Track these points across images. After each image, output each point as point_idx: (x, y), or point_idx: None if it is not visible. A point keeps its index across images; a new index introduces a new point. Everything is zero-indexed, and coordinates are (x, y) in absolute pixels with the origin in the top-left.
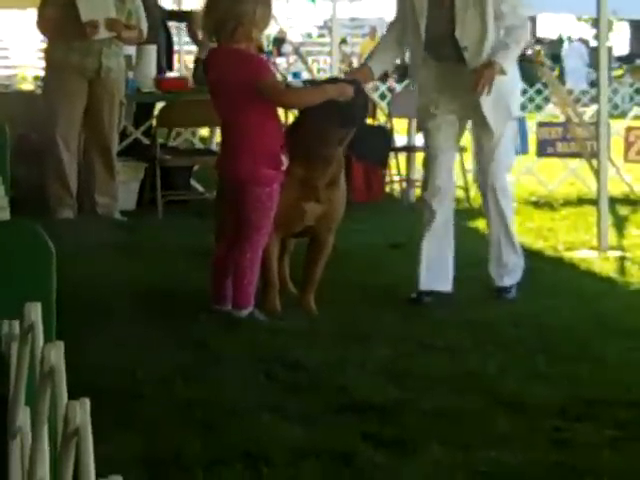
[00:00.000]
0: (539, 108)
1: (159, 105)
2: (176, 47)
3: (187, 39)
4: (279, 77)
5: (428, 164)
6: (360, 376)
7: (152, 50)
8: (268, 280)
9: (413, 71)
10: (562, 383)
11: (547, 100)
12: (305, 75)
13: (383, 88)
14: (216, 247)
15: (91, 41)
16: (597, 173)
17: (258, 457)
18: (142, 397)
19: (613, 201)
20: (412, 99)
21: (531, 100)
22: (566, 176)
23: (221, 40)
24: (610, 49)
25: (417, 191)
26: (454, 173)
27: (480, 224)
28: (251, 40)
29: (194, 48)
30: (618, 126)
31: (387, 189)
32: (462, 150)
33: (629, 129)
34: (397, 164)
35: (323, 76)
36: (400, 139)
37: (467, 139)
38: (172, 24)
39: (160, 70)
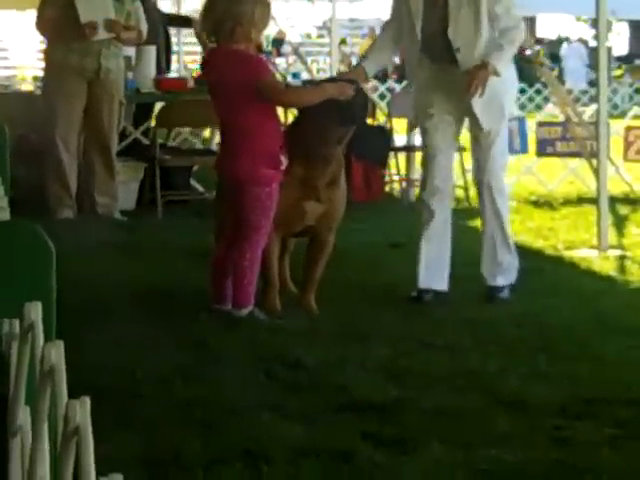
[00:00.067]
0: (539, 108)
1: (158, 105)
2: (175, 47)
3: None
4: (279, 77)
5: (426, 164)
6: (360, 375)
7: (151, 51)
8: (268, 280)
9: (409, 72)
10: (562, 382)
11: (547, 100)
12: (304, 75)
13: (383, 88)
14: (216, 247)
15: (90, 42)
16: (597, 172)
17: (258, 456)
18: (142, 396)
19: (613, 200)
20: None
21: (531, 100)
22: (566, 175)
23: (220, 40)
24: (609, 49)
25: (417, 191)
26: (453, 173)
27: (480, 223)
28: (250, 40)
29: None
30: (618, 126)
31: (387, 189)
32: (462, 150)
33: (628, 128)
34: (397, 164)
35: (322, 76)
36: (399, 139)
37: (466, 138)
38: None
39: (160, 71)
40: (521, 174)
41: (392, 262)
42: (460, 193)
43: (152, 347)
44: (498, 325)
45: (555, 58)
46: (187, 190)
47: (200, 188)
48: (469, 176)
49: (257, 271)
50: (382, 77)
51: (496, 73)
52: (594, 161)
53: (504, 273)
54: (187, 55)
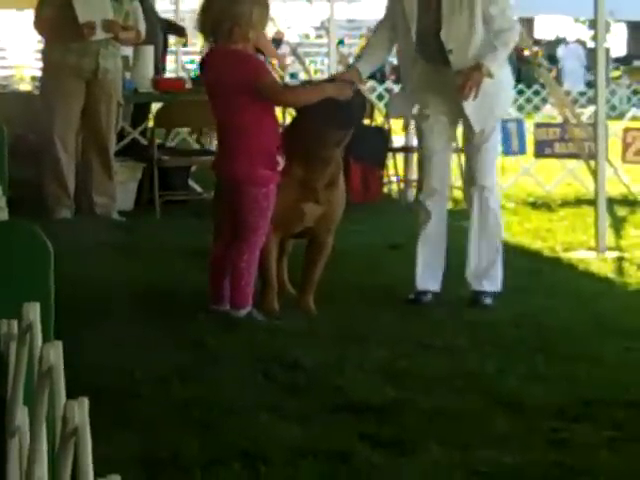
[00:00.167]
0: (537, 109)
1: (156, 106)
2: (173, 48)
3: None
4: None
5: (423, 165)
6: (358, 376)
7: (149, 51)
8: (267, 281)
9: (404, 72)
10: (560, 383)
11: (545, 101)
12: (302, 76)
13: (381, 89)
14: (213, 247)
15: (88, 42)
16: (595, 174)
17: (256, 457)
18: (140, 397)
19: (611, 202)
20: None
21: (529, 101)
22: (564, 177)
23: (218, 41)
24: (607, 50)
25: (415, 191)
26: (450, 174)
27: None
28: (248, 41)
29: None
30: (616, 127)
31: (385, 190)
32: (459, 151)
33: (627, 130)
34: (395, 165)
35: (320, 77)
36: (397, 139)
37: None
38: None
39: (157, 71)
40: (519, 175)
41: (390, 263)
42: (459, 194)
43: (150, 347)
44: (496, 326)
45: (553, 59)
46: (185, 190)
47: (198, 188)
48: None
49: (255, 272)
50: (380, 78)
51: (490, 75)
52: (592, 162)
53: (490, 278)
54: (184, 56)
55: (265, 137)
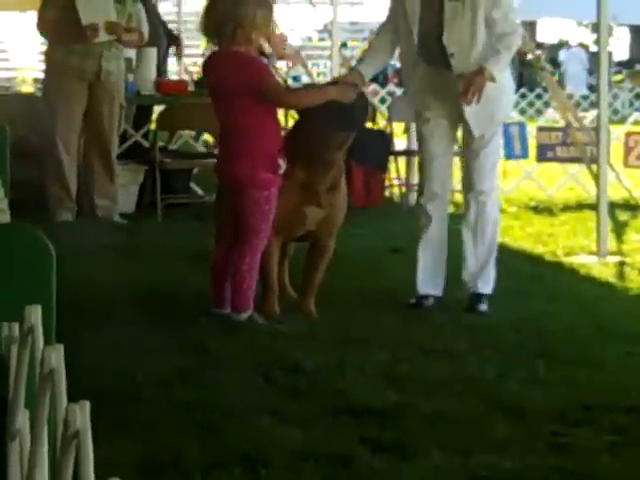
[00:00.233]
0: (539, 113)
1: (158, 108)
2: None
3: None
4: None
5: (424, 169)
6: (359, 380)
7: (152, 53)
8: (268, 284)
9: (406, 75)
10: (561, 388)
11: (547, 105)
12: (305, 79)
13: (383, 92)
14: (215, 250)
15: (91, 44)
16: (597, 178)
17: (257, 460)
18: (141, 400)
19: (613, 206)
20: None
21: (531, 105)
22: (566, 181)
23: (221, 42)
24: (610, 54)
25: (417, 195)
26: (451, 178)
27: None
28: (250, 43)
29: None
30: (618, 131)
31: (387, 193)
32: (460, 155)
33: (629, 134)
34: (397, 168)
35: (323, 80)
36: (400, 143)
37: None
38: (171, 27)
39: (160, 73)
40: (521, 179)
41: (392, 267)
42: (459, 198)
43: (152, 350)
44: (497, 330)
45: (555, 63)
46: (187, 193)
47: (200, 191)
48: None
49: (256, 275)
50: (382, 81)
51: (492, 79)
52: (594, 167)
53: (484, 280)
54: (187, 58)
55: (267, 140)
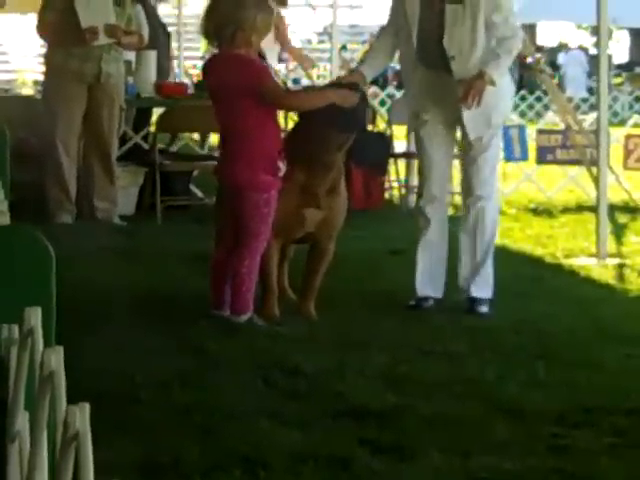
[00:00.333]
0: (539, 115)
1: (157, 110)
2: (176, 52)
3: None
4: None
5: (423, 172)
6: (359, 382)
7: (152, 55)
8: (267, 286)
9: (405, 77)
10: (561, 390)
11: (547, 107)
12: (305, 81)
13: (383, 95)
14: (215, 252)
15: (91, 47)
16: (596, 180)
17: (256, 462)
18: (141, 402)
19: (612, 208)
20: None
21: (531, 107)
22: (565, 183)
23: (221, 45)
24: (610, 57)
25: (416, 197)
26: (450, 180)
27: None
28: (250, 46)
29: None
30: (618, 134)
31: (386, 195)
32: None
33: (628, 137)
34: (396, 170)
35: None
36: (399, 145)
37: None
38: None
39: (161, 75)
40: (520, 181)
41: (392, 269)
42: (459, 200)
43: (151, 352)
44: (497, 332)
45: (555, 65)
46: (187, 195)
47: (200, 193)
48: None
49: (256, 278)
50: (382, 84)
51: (492, 83)
52: (594, 169)
53: (482, 285)
54: (187, 61)
55: (267, 142)
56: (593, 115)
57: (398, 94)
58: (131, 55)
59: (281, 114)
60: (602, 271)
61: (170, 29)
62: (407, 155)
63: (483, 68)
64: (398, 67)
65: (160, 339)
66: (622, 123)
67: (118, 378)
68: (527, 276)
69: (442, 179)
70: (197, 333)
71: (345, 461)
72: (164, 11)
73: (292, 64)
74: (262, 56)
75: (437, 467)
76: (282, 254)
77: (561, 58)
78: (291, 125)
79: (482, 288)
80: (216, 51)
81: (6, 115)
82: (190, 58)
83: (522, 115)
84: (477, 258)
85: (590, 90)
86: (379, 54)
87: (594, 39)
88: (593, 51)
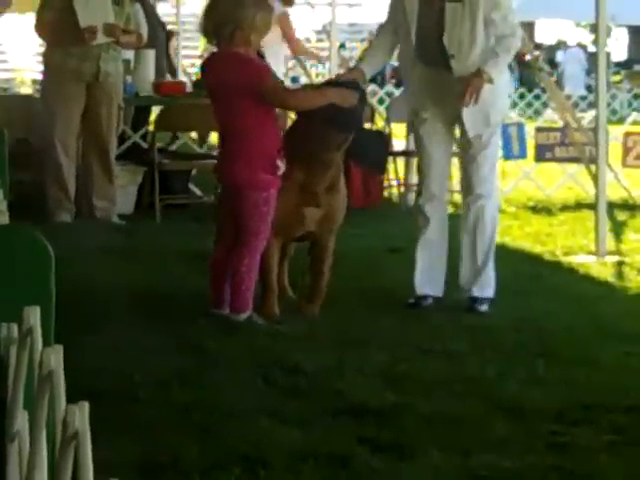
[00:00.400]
0: (538, 113)
1: (156, 109)
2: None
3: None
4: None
5: (422, 170)
6: (358, 380)
7: (150, 54)
8: (267, 285)
9: (404, 74)
10: (560, 387)
11: (545, 105)
12: (304, 80)
13: (382, 92)
14: (215, 250)
15: (89, 46)
16: (595, 178)
17: (256, 461)
18: (140, 401)
19: (611, 206)
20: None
21: (530, 105)
22: (564, 181)
23: (220, 43)
24: (608, 55)
25: (415, 195)
26: (449, 179)
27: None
28: (249, 44)
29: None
30: (616, 131)
31: (385, 194)
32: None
33: (627, 134)
34: (395, 169)
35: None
36: (398, 143)
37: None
38: (170, 28)
39: (159, 73)
40: (519, 179)
41: (391, 267)
42: (458, 198)
43: (150, 351)
44: (496, 330)
45: (554, 63)
46: (186, 194)
47: (199, 192)
48: None
49: (255, 276)
50: (381, 81)
51: (490, 81)
52: (593, 167)
53: (484, 284)
54: (185, 59)
55: (267, 141)
56: (592, 113)
57: (397, 92)
58: (130, 54)
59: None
60: (601, 269)
61: (169, 27)
62: (406, 153)
63: (481, 66)
64: (396, 64)
65: (159, 338)
66: (621, 121)
67: (117, 377)
68: (526, 274)
69: (441, 177)
70: (196, 332)
71: (345, 459)
72: (163, 10)
73: (290, 62)
74: (261, 55)
75: (436, 465)
76: (282, 253)
77: (560, 56)
78: (289, 124)
79: (484, 288)
80: (215, 49)
81: (5, 114)
82: (188, 57)
83: (521, 113)
84: (478, 258)
85: (589, 88)
86: (378, 52)
87: (593, 37)
88: (592, 49)
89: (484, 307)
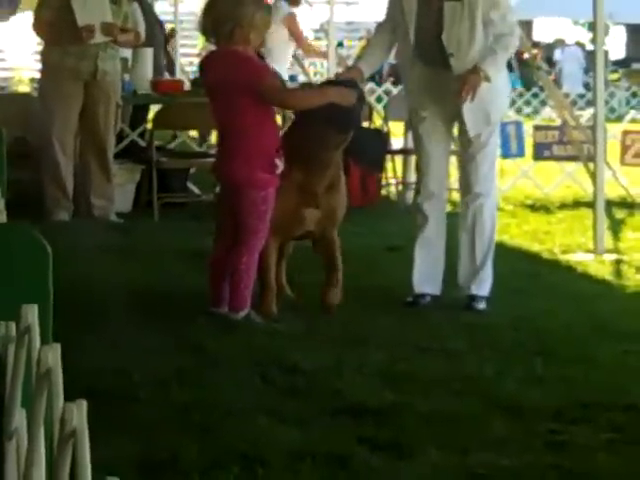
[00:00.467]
0: (536, 111)
1: (154, 108)
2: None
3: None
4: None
5: (421, 169)
6: (357, 379)
7: (148, 53)
8: (266, 283)
9: (403, 73)
10: (558, 386)
11: (544, 103)
12: (301, 78)
13: (380, 91)
14: (214, 248)
15: (87, 45)
16: (593, 176)
17: (255, 460)
18: (139, 400)
19: (609, 204)
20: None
21: (528, 103)
22: (562, 179)
23: (219, 41)
24: (606, 53)
25: (413, 194)
26: (448, 177)
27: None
28: (248, 43)
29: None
30: (615, 129)
31: (383, 192)
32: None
33: (625, 132)
34: (393, 167)
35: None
36: (396, 142)
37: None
38: (168, 26)
39: (158, 72)
40: (518, 178)
41: (389, 265)
42: (457, 197)
43: (149, 350)
44: (494, 329)
45: (552, 62)
46: (184, 193)
47: (197, 190)
48: None
49: (254, 275)
50: (378, 80)
51: (487, 79)
52: (591, 165)
53: (481, 283)
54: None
55: (265, 140)
56: (590, 111)
57: (395, 90)
58: (127, 52)
59: (278, 111)
60: (599, 267)
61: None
62: (404, 152)
63: (479, 64)
64: (394, 62)
65: (158, 336)
66: (619, 119)
67: (116, 376)
68: (524, 272)
69: (440, 176)
70: (195, 330)
71: (343, 458)
72: (160, 8)
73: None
74: (261, 55)
75: (435, 464)
76: (281, 251)
77: (558, 54)
78: (288, 123)
79: (481, 286)
80: (213, 47)
81: (2, 113)
82: (187, 55)
83: (519, 111)
84: (477, 257)
85: (587, 86)
86: (376, 50)
87: (591, 35)
88: (590, 47)
89: (482, 305)
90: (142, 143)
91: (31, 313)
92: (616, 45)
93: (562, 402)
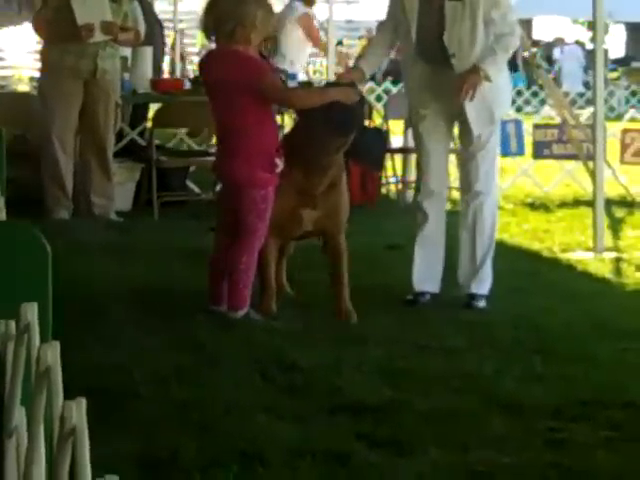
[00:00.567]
0: (535, 110)
1: (154, 106)
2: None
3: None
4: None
5: (421, 167)
6: (356, 377)
7: (148, 52)
8: (265, 282)
9: (404, 72)
10: (558, 384)
11: (543, 102)
12: (301, 77)
13: (380, 90)
14: (214, 247)
15: (86, 44)
16: (593, 175)
17: (254, 457)
18: (138, 397)
19: (609, 203)
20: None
21: (527, 102)
22: (562, 178)
23: (219, 40)
24: (606, 51)
25: (413, 192)
26: (448, 175)
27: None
28: (249, 42)
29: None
30: (614, 128)
31: (383, 191)
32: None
33: (625, 131)
34: (393, 166)
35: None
36: (396, 140)
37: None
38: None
39: (158, 71)
40: (517, 176)
41: (389, 264)
42: (457, 195)
43: (148, 348)
44: (494, 327)
45: (551, 60)
46: (183, 191)
47: (196, 189)
48: None
49: (253, 273)
50: (379, 79)
51: (487, 78)
52: (590, 163)
53: (481, 281)
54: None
55: (265, 139)
56: (589, 110)
57: (394, 89)
58: (127, 51)
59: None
60: (599, 265)
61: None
62: (404, 150)
63: (479, 63)
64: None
65: (157, 334)
66: (619, 118)
67: (115, 374)
68: (524, 271)
69: (440, 174)
70: (194, 328)
71: (342, 456)
72: (160, 7)
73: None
74: (263, 55)
75: (434, 461)
76: (281, 251)
77: (557, 53)
78: (288, 123)
79: (481, 285)
80: (213, 46)
81: (2, 111)
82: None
83: (519, 110)
84: (477, 255)
85: (586, 85)
86: (377, 49)
87: (590, 34)
88: (589, 46)
89: (482, 303)
90: (142, 142)
91: (31, 311)
92: (616, 44)
93: (561, 400)
